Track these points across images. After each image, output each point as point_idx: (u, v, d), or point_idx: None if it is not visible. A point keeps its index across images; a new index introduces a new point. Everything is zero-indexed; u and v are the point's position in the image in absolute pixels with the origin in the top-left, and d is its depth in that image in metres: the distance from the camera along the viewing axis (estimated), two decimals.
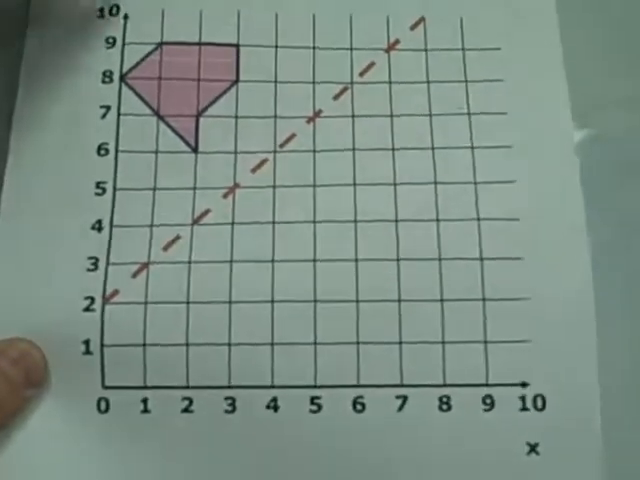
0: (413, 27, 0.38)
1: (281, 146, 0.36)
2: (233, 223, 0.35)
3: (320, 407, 0.33)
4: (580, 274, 0.34)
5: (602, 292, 0.34)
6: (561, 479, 0.33)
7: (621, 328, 0.34)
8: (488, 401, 0.33)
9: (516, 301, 0.34)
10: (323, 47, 0.38)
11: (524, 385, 0.33)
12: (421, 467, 0.33)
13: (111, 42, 0.38)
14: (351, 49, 0.37)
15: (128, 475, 0.33)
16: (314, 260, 0.34)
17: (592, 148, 0.36)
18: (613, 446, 0.32)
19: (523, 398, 0.33)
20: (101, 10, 0.38)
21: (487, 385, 0.33)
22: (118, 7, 0.38)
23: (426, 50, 0.37)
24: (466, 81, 0.37)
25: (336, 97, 0.37)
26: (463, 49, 0.37)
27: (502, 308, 0.34)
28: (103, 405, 0.33)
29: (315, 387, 0.33)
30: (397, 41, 0.38)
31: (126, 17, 0.38)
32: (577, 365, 0.33)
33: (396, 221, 0.35)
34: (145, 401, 0.33)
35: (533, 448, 0.33)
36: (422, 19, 0.38)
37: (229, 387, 0.33)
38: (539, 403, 0.33)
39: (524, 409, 0.33)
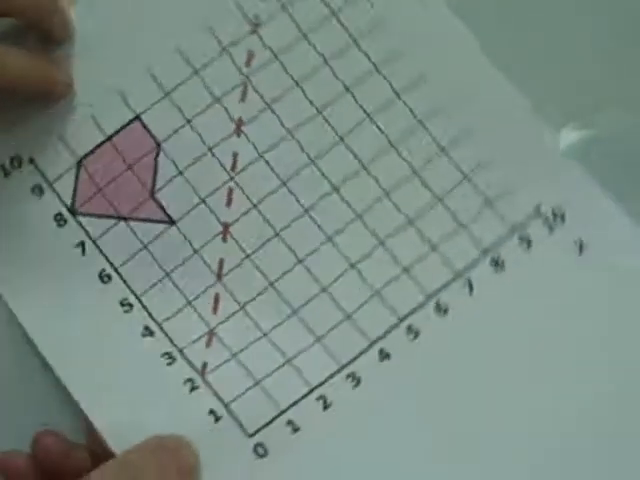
0: None
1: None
2: None
3: None
4: None
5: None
6: None
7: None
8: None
9: None
10: None
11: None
12: None
13: (38, 191, 0.39)
14: None
15: None
16: None
17: (592, 148, 0.38)
18: None
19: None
20: (2, 167, 0.39)
21: None
22: (19, 157, 0.39)
23: None
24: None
25: None
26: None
27: None
28: None
29: None
30: None
31: (32, 160, 0.39)
32: None
33: None
34: None
35: None
36: None
37: None
38: None
39: None
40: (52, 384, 0.38)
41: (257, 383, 0.37)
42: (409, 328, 0.37)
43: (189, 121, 0.39)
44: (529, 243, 0.38)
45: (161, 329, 0.38)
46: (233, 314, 0.38)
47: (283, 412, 0.37)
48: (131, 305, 0.38)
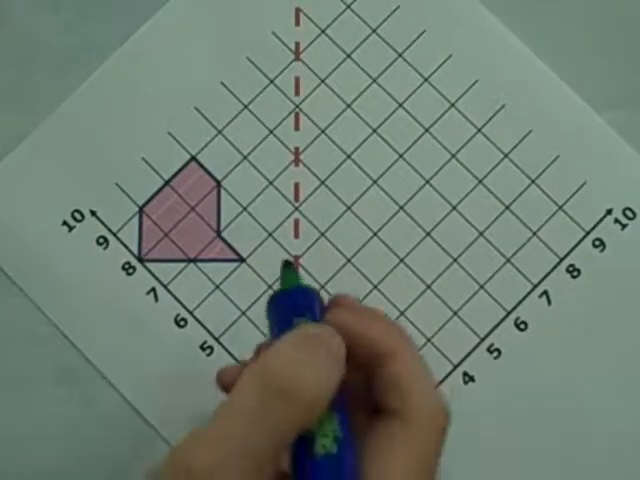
0: None
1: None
2: None
3: None
4: None
5: None
6: None
7: None
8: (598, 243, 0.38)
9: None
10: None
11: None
12: None
13: (103, 241, 0.39)
14: None
15: None
16: None
17: None
18: None
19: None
20: (65, 222, 0.39)
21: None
22: (79, 211, 0.39)
23: None
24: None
25: None
26: None
27: None
28: None
29: None
30: None
31: (94, 212, 0.39)
32: None
33: None
34: None
35: None
36: None
37: None
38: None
39: None
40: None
41: None
42: (490, 347, 0.37)
43: (245, 157, 0.39)
44: (603, 245, 0.38)
45: None
46: None
47: None
48: (212, 348, 0.38)
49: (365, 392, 0.29)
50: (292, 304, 0.30)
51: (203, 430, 0.25)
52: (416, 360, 0.29)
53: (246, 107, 0.39)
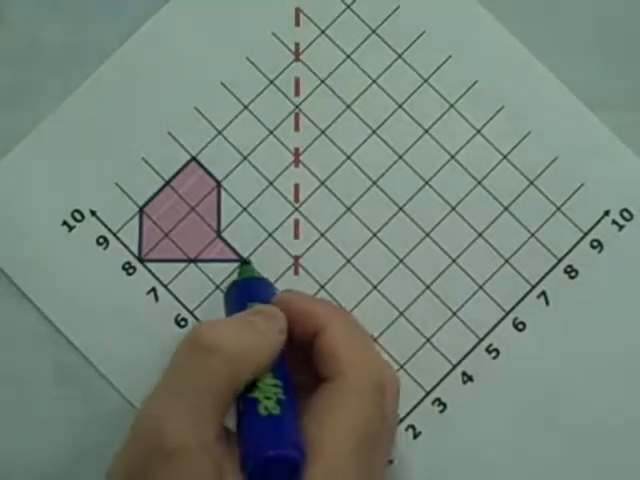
0: None
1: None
2: None
3: None
4: None
5: None
6: None
7: None
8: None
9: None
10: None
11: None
12: None
13: (103, 242, 0.39)
14: None
15: None
16: None
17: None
18: None
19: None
20: (65, 222, 0.39)
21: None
22: (79, 211, 0.39)
23: None
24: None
25: None
26: None
27: None
28: None
29: None
30: None
31: (93, 212, 0.39)
32: None
33: None
34: None
35: None
36: None
37: None
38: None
39: None
40: None
41: None
42: (489, 347, 0.38)
43: (246, 157, 0.39)
44: (601, 246, 0.38)
45: None
46: None
47: None
48: None
49: (312, 374, 0.32)
50: (246, 291, 0.35)
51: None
52: (345, 329, 0.33)
53: (246, 107, 0.39)
